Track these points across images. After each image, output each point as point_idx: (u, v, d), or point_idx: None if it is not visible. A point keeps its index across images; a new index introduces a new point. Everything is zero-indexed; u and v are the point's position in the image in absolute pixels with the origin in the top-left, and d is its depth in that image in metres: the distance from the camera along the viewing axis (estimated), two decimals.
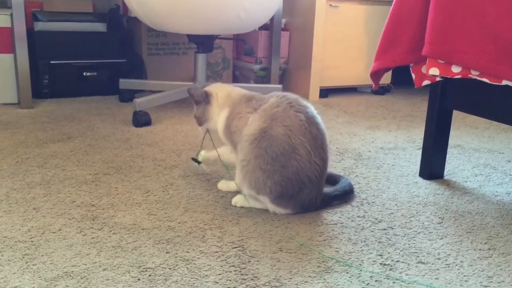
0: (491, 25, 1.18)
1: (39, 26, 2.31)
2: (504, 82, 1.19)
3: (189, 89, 1.36)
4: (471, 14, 1.21)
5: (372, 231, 1.15)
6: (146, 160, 1.56)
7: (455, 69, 1.27)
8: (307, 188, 1.18)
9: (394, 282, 0.95)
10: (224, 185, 1.36)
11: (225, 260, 1.00)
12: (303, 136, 1.15)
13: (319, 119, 1.21)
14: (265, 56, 2.69)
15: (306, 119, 1.17)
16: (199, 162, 1.39)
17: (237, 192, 1.29)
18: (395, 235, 1.14)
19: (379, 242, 1.10)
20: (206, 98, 1.32)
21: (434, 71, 1.29)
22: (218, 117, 1.30)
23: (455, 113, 1.46)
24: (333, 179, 1.40)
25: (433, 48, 1.28)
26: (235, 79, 2.85)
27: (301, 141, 1.15)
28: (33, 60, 2.19)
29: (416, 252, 1.07)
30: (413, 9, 1.34)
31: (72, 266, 0.96)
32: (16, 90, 2.19)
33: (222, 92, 1.33)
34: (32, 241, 1.05)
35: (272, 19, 2.56)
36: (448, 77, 1.28)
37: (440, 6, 1.26)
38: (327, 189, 1.29)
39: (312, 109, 1.21)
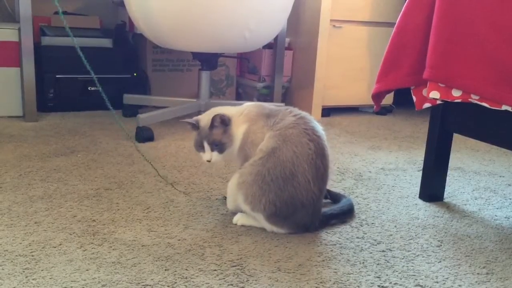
0: (492, 51, 1.20)
1: (46, 40, 2.35)
2: (504, 107, 1.20)
3: (215, 116, 1.23)
4: (472, 39, 1.23)
5: (371, 253, 1.16)
6: (148, 176, 1.57)
7: (456, 93, 1.28)
8: (300, 212, 1.19)
9: None
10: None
11: (224, 278, 1.01)
12: (307, 165, 1.17)
13: (327, 151, 1.22)
14: (268, 74, 2.72)
15: (315, 150, 1.18)
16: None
17: (238, 210, 1.30)
18: (394, 257, 1.14)
19: (378, 264, 1.11)
20: (227, 122, 1.25)
21: (434, 94, 1.31)
22: (237, 133, 1.25)
23: (456, 135, 1.47)
24: (335, 198, 1.42)
25: (434, 72, 1.29)
26: (238, 97, 2.87)
27: (304, 169, 1.16)
28: (39, 74, 2.22)
29: (415, 275, 1.07)
30: (415, 32, 1.36)
31: (72, 281, 0.96)
32: (21, 103, 2.21)
33: (231, 112, 1.28)
34: (32, 256, 1.05)
35: (276, 38, 2.59)
36: (449, 100, 1.30)
37: (441, 31, 1.27)
38: (325, 209, 1.30)
39: (325, 140, 1.22)
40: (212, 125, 1.24)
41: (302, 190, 1.17)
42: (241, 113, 1.28)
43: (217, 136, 1.24)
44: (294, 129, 1.19)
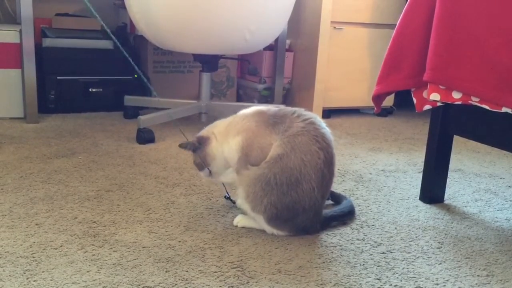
0: (492, 53, 1.20)
1: (47, 42, 2.35)
2: (504, 109, 1.20)
3: (180, 145, 1.31)
4: (472, 42, 1.24)
5: (371, 255, 1.16)
6: (149, 178, 1.57)
7: (456, 95, 1.28)
8: (301, 217, 1.19)
9: None
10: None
11: (224, 280, 1.01)
12: (314, 174, 1.16)
13: (335, 159, 1.22)
14: (269, 76, 2.72)
15: (324, 159, 1.17)
16: (233, 201, 1.38)
17: (240, 212, 1.30)
18: (394, 259, 1.14)
19: (378, 266, 1.11)
20: (202, 142, 1.28)
21: (435, 96, 1.31)
22: (225, 149, 1.24)
23: (456, 137, 1.47)
24: (337, 200, 1.42)
25: (434, 74, 1.29)
26: (239, 98, 2.87)
27: (310, 177, 1.15)
28: (40, 75, 2.22)
29: (415, 277, 1.07)
30: (415, 35, 1.37)
31: (73, 283, 0.97)
32: (22, 105, 2.22)
33: (220, 127, 1.28)
34: (33, 257, 1.05)
35: (276, 40, 2.59)
36: (449, 102, 1.30)
37: (441, 33, 1.28)
38: (326, 210, 1.30)
39: (333, 148, 1.21)
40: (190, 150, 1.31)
41: (306, 196, 1.16)
42: (235, 124, 1.23)
43: (197, 158, 1.31)
44: (304, 136, 1.16)
